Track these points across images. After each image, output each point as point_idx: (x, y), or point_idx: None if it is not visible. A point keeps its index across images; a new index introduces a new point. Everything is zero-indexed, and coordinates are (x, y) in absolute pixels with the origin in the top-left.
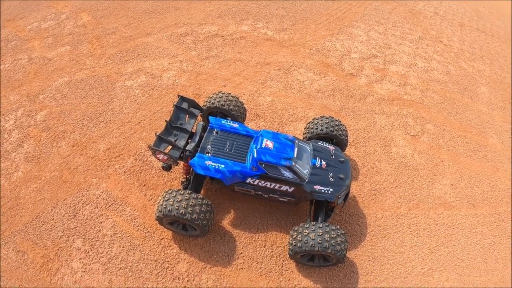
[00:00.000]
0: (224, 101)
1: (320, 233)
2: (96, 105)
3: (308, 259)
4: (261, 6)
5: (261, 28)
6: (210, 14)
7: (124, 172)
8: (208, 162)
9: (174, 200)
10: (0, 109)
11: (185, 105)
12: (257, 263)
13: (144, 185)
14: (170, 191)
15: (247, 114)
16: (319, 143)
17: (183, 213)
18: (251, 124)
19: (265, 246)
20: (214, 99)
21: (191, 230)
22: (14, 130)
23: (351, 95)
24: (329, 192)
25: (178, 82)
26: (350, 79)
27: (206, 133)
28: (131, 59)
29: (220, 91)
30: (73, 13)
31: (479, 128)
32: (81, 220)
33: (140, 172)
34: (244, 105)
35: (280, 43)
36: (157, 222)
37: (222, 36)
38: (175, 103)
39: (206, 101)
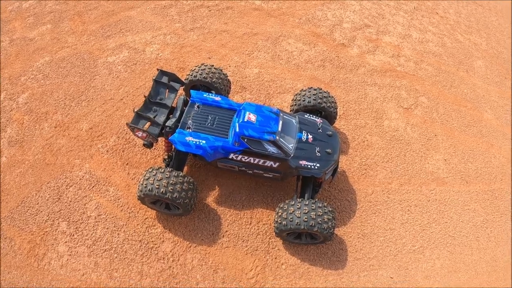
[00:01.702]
0: (206, 73)
1: (306, 211)
2: (78, 83)
3: (295, 236)
4: None
5: None
6: None
7: (107, 151)
8: (189, 138)
9: (154, 179)
10: None
11: (165, 79)
12: (243, 241)
13: (127, 164)
14: (150, 170)
15: (232, 87)
16: (306, 116)
17: (164, 192)
18: (236, 97)
19: (251, 223)
20: (197, 72)
21: (174, 209)
22: None
23: (342, 66)
24: (316, 167)
25: (161, 55)
26: (341, 50)
27: (187, 108)
28: (114, 34)
29: (203, 63)
30: None
31: (474, 102)
32: (65, 202)
33: (123, 151)
34: (229, 77)
35: (268, 12)
36: (138, 199)
37: (208, 7)
38: (154, 78)
39: (188, 74)
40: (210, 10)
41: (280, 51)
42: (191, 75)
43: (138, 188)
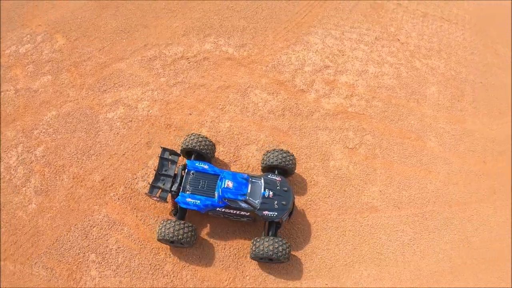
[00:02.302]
0: (195, 143)
1: (267, 245)
2: (85, 139)
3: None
4: (223, 18)
5: (222, 46)
6: (176, 31)
7: (118, 198)
8: (188, 199)
9: (167, 229)
10: (0, 146)
11: (166, 154)
12: (220, 261)
13: (135, 208)
14: (164, 222)
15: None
16: (269, 176)
17: (176, 239)
18: None
19: (224, 249)
20: (188, 141)
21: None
22: (18, 166)
23: (299, 113)
24: (275, 215)
25: (151, 112)
26: (301, 96)
27: (185, 175)
28: (109, 89)
29: (192, 133)
30: (48, 34)
31: (419, 132)
32: (92, 239)
33: (130, 198)
34: (212, 141)
35: (239, 61)
36: (157, 240)
37: (187, 59)
38: (159, 155)
39: (183, 143)
40: (189, 62)
41: (247, 103)
42: (184, 143)
43: (158, 233)
